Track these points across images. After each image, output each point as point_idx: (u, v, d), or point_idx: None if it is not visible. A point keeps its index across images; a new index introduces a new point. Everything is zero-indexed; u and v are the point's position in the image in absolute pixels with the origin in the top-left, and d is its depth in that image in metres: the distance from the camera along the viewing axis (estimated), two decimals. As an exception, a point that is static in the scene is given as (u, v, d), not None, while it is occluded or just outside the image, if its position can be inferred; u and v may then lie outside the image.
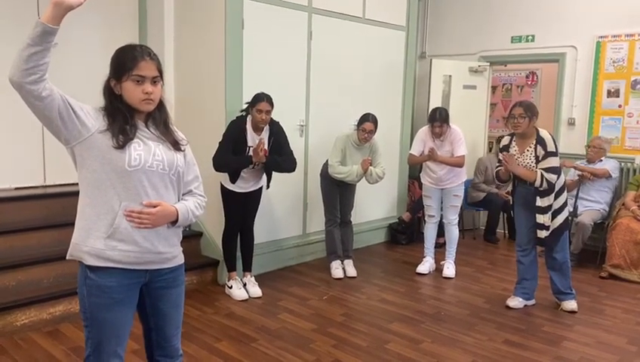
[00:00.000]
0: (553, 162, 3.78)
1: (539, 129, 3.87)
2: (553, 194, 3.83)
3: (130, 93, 1.87)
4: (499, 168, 4.07)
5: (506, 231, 6.39)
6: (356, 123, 4.64)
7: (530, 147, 3.84)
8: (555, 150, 3.79)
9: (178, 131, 2.08)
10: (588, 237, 5.13)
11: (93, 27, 4.54)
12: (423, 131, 4.82)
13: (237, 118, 4.06)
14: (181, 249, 2.09)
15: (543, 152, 3.78)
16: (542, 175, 3.75)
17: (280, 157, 4.09)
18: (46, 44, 1.64)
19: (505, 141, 4.05)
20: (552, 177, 3.76)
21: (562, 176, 3.93)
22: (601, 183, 5.33)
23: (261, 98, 3.93)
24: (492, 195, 6.04)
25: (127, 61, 1.86)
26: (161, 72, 1.93)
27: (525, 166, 3.87)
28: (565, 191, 3.94)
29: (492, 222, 6.23)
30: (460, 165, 4.70)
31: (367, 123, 4.54)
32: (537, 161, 3.81)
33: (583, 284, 4.64)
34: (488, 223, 6.27)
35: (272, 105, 3.96)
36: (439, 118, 4.62)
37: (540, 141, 3.80)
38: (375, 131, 4.60)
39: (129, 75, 1.85)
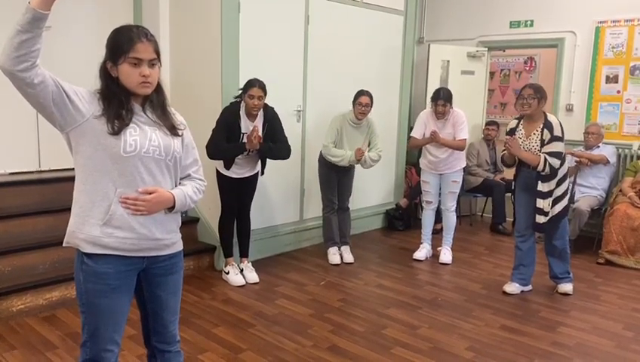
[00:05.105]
0: (558, 147, 3.76)
1: (547, 113, 3.85)
2: (555, 180, 3.82)
3: (127, 76, 1.82)
4: (504, 152, 4.05)
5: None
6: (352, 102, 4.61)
7: (537, 131, 3.82)
8: (561, 135, 3.78)
9: (177, 114, 2.04)
10: (585, 223, 5.13)
11: (87, 8, 4.47)
12: (425, 114, 4.80)
13: (231, 103, 4.02)
14: (180, 235, 2.06)
15: (549, 136, 3.76)
16: (545, 159, 3.74)
17: (274, 145, 4.05)
18: (37, 30, 1.59)
19: (512, 124, 4.02)
20: (555, 162, 3.74)
21: (566, 163, 3.92)
22: (599, 169, 5.33)
23: (253, 83, 3.89)
24: (491, 181, 6.01)
25: (123, 43, 1.80)
26: (158, 53, 1.87)
27: (530, 150, 3.85)
28: (568, 179, 3.93)
29: (498, 209, 5.96)
30: (462, 148, 4.70)
31: (363, 96, 4.52)
32: (542, 145, 3.79)
33: (580, 270, 4.65)
34: (494, 211, 6.01)
35: (264, 90, 3.91)
36: (442, 97, 4.60)
37: (547, 125, 3.78)
38: (371, 105, 4.57)
39: (125, 57, 1.80)
